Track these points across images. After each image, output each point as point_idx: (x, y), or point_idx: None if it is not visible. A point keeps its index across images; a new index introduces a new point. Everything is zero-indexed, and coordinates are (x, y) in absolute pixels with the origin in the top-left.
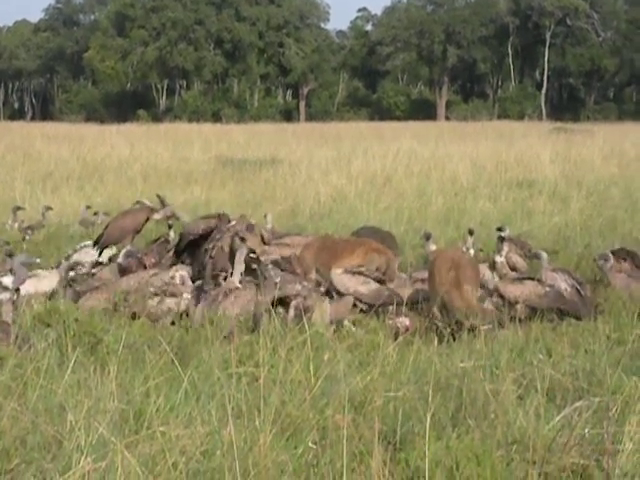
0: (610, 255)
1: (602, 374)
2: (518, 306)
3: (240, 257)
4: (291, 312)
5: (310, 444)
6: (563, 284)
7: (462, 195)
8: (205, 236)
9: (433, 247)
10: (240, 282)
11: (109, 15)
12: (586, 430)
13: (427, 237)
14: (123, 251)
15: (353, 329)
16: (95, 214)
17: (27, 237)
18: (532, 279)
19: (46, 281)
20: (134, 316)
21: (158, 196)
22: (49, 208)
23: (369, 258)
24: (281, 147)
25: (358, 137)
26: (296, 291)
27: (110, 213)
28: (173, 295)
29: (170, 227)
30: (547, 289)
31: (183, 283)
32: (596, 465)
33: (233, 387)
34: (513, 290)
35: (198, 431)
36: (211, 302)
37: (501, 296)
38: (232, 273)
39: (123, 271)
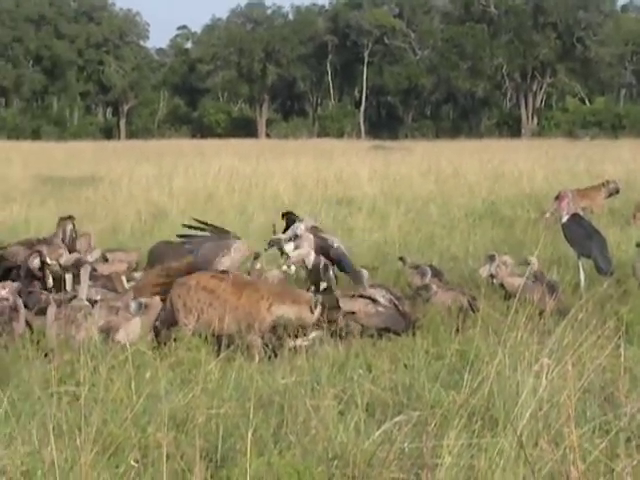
0: (428, 270)
1: (421, 389)
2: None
3: (85, 275)
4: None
5: (132, 462)
6: (381, 300)
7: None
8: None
9: (258, 266)
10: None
11: None
12: (405, 444)
13: (255, 256)
14: None
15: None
16: None
17: None
18: (365, 297)
19: None
20: None
21: None
22: None
23: None
24: (102, 165)
25: (179, 154)
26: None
27: None
28: None
29: None
30: (379, 309)
31: (8, 299)
32: (415, 479)
33: (54, 406)
34: (342, 306)
35: (18, 451)
36: (69, 322)
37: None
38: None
39: None
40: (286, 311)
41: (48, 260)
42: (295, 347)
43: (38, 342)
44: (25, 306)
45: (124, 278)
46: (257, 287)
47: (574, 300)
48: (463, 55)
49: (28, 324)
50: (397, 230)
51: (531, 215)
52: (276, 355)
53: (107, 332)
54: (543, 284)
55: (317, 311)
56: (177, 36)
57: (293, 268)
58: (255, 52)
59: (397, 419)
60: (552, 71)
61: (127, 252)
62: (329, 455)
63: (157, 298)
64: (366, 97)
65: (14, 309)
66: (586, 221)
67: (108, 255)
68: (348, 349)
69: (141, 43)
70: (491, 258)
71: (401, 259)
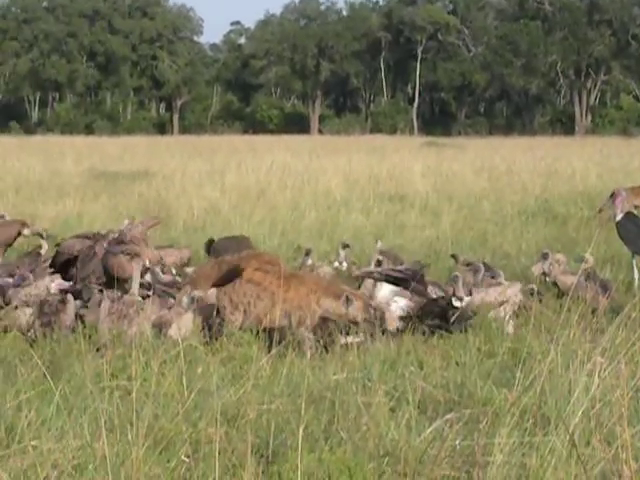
0: (481, 267)
1: (473, 386)
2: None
3: (137, 270)
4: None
5: (183, 457)
6: (434, 296)
7: (335, 208)
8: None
9: (309, 262)
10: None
11: None
12: (457, 442)
13: (307, 252)
14: None
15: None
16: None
17: None
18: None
19: None
20: (6, 329)
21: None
22: None
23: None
24: (154, 160)
25: (232, 150)
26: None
27: None
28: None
29: (42, 236)
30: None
31: (61, 291)
32: (467, 477)
33: (105, 401)
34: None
35: (70, 445)
36: (121, 317)
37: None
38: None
39: None
40: (332, 305)
41: (147, 263)
42: (347, 344)
43: (90, 337)
44: (78, 297)
45: (174, 270)
46: (303, 280)
47: (627, 298)
48: (517, 52)
49: (81, 318)
50: (449, 227)
51: (584, 213)
52: (327, 351)
53: (159, 327)
54: (596, 282)
55: (352, 307)
56: (231, 32)
57: (345, 264)
58: (308, 48)
59: (448, 416)
60: (606, 68)
61: (179, 249)
62: (380, 452)
63: (211, 291)
64: (419, 93)
65: (62, 301)
66: None
67: (161, 252)
68: (400, 346)
69: (195, 38)
70: (544, 256)
71: (453, 256)
